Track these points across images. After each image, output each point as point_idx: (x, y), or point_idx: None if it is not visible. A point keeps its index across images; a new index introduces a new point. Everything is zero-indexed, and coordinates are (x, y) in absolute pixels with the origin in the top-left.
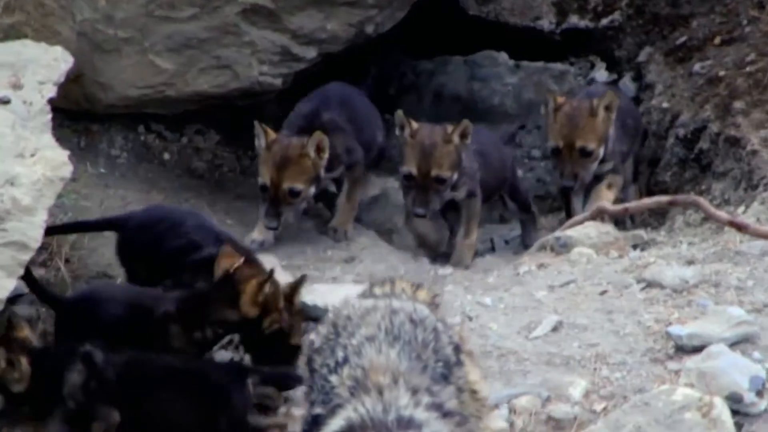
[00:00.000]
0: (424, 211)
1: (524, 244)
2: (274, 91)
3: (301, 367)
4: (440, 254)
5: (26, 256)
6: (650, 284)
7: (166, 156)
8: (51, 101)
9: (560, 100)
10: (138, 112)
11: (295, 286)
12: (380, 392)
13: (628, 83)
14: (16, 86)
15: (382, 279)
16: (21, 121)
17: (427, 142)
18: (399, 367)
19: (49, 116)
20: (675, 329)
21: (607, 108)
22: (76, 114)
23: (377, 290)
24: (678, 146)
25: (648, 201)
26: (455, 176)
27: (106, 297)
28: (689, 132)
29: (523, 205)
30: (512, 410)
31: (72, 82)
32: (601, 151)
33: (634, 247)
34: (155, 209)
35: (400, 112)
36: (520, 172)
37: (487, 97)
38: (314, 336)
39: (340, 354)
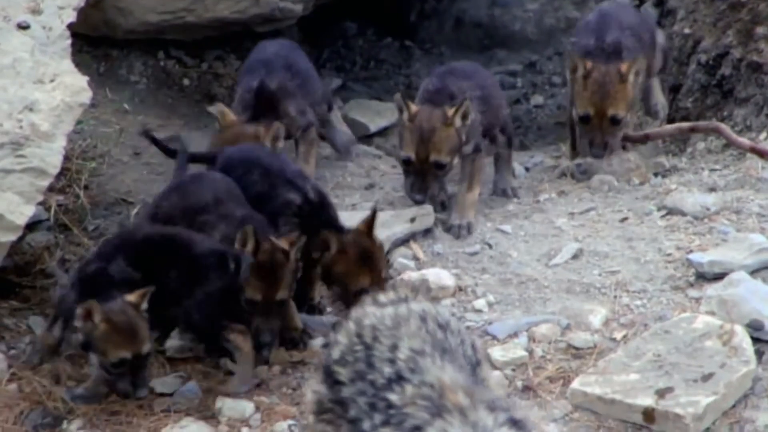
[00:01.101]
0: (423, 198)
1: (499, 189)
2: (294, 17)
3: (316, 378)
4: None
5: (45, 183)
6: (671, 211)
7: (186, 82)
8: (70, 26)
9: (588, 65)
10: (158, 38)
11: (371, 221)
12: (463, 413)
13: (649, 9)
14: (36, 11)
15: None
16: (40, 46)
17: (426, 126)
18: (463, 382)
19: (69, 42)
20: (696, 256)
21: (637, 73)
22: (95, 39)
23: (383, 298)
24: (700, 72)
25: (669, 128)
26: (455, 161)
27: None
28: (711, 58)
29: (509, 140)
30: (531, 338)
31: (92, 7)
32: (629, 117)
33: (656, 174)
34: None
35: (398, 96)
36: (540, 99)
37: (508, 22)
38: (330, 346)
39: (387, 369)
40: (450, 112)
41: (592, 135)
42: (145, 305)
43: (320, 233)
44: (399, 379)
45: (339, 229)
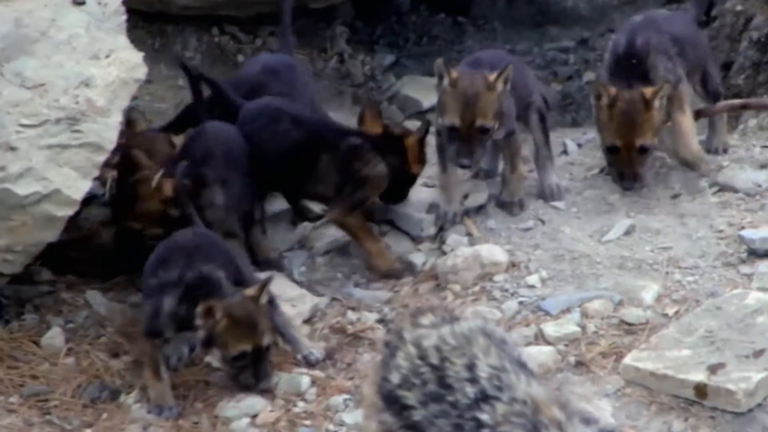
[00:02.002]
0: (470, 162)
1: (545, 190)
2: None
3: (377, 404)
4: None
5: (101, 158)
6: (723, 188)
7: (240, 58)
8: (125, 2)
9: (612, 91)
10: (212, 14)
11: (425, 132)
12: (561, 428)
13: None
14: None
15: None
16: (96, 22)
17: (469, 91)
18: (552, 395)
19: (124, 17)
20: (748, 233)
21: (662, 97)
22: (150, 15)
23: (425, 321)
24: (751, 49)
25: (721, 105)
26: (497, 124)
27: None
28: (763, 35)
29: (545, 130)
30: (584, 314)
31: None
32: (656, 142)
33: (707, 151)
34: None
35: (439, 61)
36: (592, 75)
37: None
38: (388, 371)
39: (469, 389)
40: (492, 76)
41: (621, 167)
42: (264, 298)
43: None
44: (486, 397)
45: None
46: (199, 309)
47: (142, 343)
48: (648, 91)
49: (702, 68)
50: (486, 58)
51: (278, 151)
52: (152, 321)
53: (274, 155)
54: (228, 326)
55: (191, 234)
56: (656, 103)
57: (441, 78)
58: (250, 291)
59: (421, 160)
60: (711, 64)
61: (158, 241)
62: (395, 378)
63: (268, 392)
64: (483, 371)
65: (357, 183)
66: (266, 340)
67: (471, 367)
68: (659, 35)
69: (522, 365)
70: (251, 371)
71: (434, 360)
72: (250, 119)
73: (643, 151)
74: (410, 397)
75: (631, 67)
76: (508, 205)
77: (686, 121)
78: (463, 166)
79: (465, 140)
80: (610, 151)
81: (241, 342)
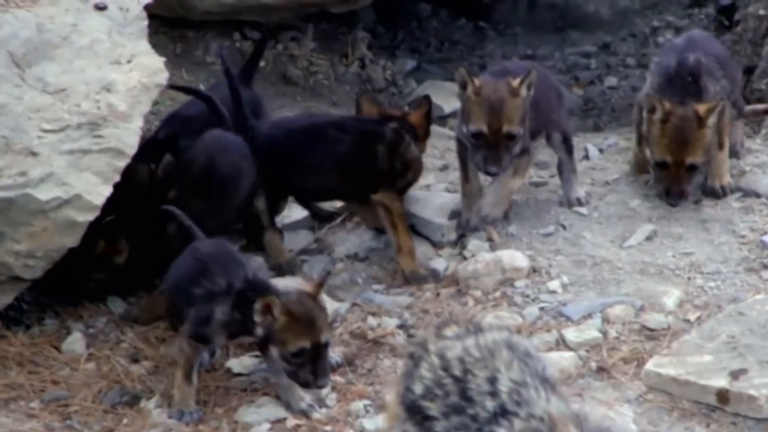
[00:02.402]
0: (497, 170)
1: (569, 199)
2: None
3: (400, 414)
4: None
5: (122, 163)
6: (746, 193)
7: (261, 63)
8: (147, 7)
9: (666, 106)
10: (233, 20)
11: (429, 108)
12: None
13: None
14: None
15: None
16: (117, 27)
17: (494, 98)
18: (570, 412)
19: (146, 23)
20: None
21: (716, 114)
22: (172, 21)
23: (449, 332)
24: None
25: (745, 109)
26: (522, 130)
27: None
28: None
29: (568, 145)
30: (605, 319)
31: None
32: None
33: (729, 156)
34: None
35: (462, 70)
36: (614, 80)
37: (582, 3)
38: (411, 382)
39: (489, 403)
40: (515, 82)
41: (668, 183)
42: (322, 294)
43: None
44: (504, 413)
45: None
46: (257, 306)
47: (184, 344)
48: (702, 108)
49: (735, 87)
50: (512, 67)
51: (336, 159)
52: (200, 327)
53: (330, 165)
54: (287, 323)
55: (212, 244)
56: (710, 121)
57: (464, 86)
58: (308, 287)
59: (428, 134)
60: (738, 82)
61: None
62: (418, 388)
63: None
64: (504, 385)
65: (404, 167)
66: (325, 336)
67: (492, 380)
68: (707, 57)
69: (544, 380)
70: (310, 368)
71: (457, 372)
72: (285, 141)
73: (693, 169)
74: (433, 408)
75: (684, 85)
76: (475, 218)
77: (723, 154)
78: (490, 174)
79: (492, 147)
80: (660, 166)
81: (300, 338)
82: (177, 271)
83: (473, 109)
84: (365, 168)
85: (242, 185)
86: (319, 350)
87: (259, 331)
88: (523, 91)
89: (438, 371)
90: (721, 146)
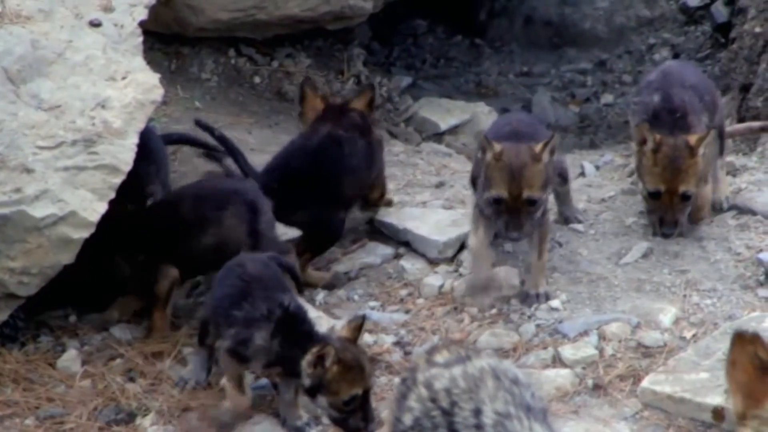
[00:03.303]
0: (519, 235)
1: (565, 216)
2: (364, 14)
3: None
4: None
5: (117, 180)
6: (741, 210)
7: (257, 80)
8: (142, 24)
9: (657, 137)
10: (229, 36)
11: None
12: None
13: (720, 8)
14: (108, 9)
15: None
16: (112, 44)
17: (515, 163)
18: None
19: (140, 39)
20: (766, 256)
21: (706, 144)
22: (167, 37)
23: (439, 358)
24: None
25: (739, 127)
26: (545, 196)
27: None
28: None
29: (565, 179)
30: (602, 337)
31: (163, 5)
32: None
33: (725, 173)
34: None
35: (482, 136)
36: (610, 97)
37: (578, 21)
38: (401, 412)
39: None
40: (538, 147)
41: (662, 213)
42: (359, 337)
43: None
44: None
45: None
46: (310, 358)
47: (226, 359)
48: (692, 138)
49: (716, 113)
50: (518, 125)
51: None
52: (239, 347)
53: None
54: (339, 372)
55: (255, 261)
56: (700, 150)
57: (484, 151)
58: (345, 332)
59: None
60: (719, 106)
61: None
62: (407, 420)
63: None
64: (488, 417)
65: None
66: (372, 381)
67: (477, 412)
68: (686, 90)
69: (529, 409)
70: (360, 414)
71: (444, 404)
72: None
73: (686, 198)
74: None
75: (673, 121)
76: (532, 297)
77: (707, 192)
78: (513, 239)
79: (513, 213)
80: (653, 196)
81: (353, 386)
82: (221, 290)
83: (494, 174)
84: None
85: None
86: (367, 395)
87: (308, 381)
88: (545, 156)
89: (426, 403)
90: (704, 182)
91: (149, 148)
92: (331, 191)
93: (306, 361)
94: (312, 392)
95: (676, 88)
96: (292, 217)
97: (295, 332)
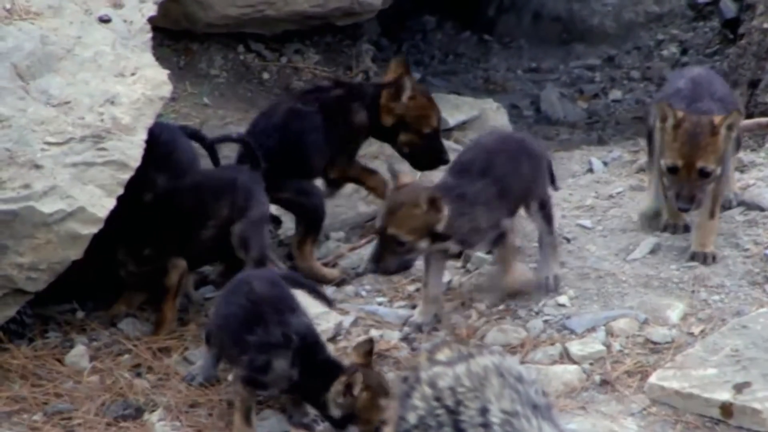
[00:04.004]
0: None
1: (540, 277)
2: (373, 10)
3: None
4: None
5: (126, 176)
6: (749, 206)
7: (266, 75)
8: (151, 20)
9: (679, 115)
10: (237, 32)
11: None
12: None
13: (729, 4)
14: (117, 5)
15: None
16: (121, 40)
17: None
18: None
19: (150, 35)
20: None
21: (729, 127)
22: (176, 33)
23: (442, 356)
24: None
25: (748, 123)
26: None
27: None
28: None
29: (548, 218)
30: (609, 333)
31: (172, 1)
32: (719, 171)
33: (734, 169)
34: None
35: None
36: (618, 94)
37: (587, 17)
38: (405, 411)
39: None
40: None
41: (679, 187)
42: (371, 362)
43: None
44: None
45: None
46: (338, 388)
47: (239, 387)
48: (718, 117)
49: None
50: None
51: None
52: (258, 375)
53: None
54: (368, 398)
55: (266, 283)
56: (723, 131)
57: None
58: (358, 359)
59: None
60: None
61: None
62: (412, 418)
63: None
64: (495, 416)
65: None
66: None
67: (484, 411)
68: (715, 103)
69: (535, 406)
70: None
71: (450, 402)
72: None
73: (704, 174)
74: None
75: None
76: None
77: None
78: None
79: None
80: (671, 171)
81: (382, 411)
82: (228, 309)
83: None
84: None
85: None
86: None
87: (338, 411)
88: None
89: (431, 402)
90: (711, 215)
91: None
92: (300, 163)
93: (335, 392)
94: (342, 423)
95: (705, 99)
96: (278, 196)
97: (315, 362)
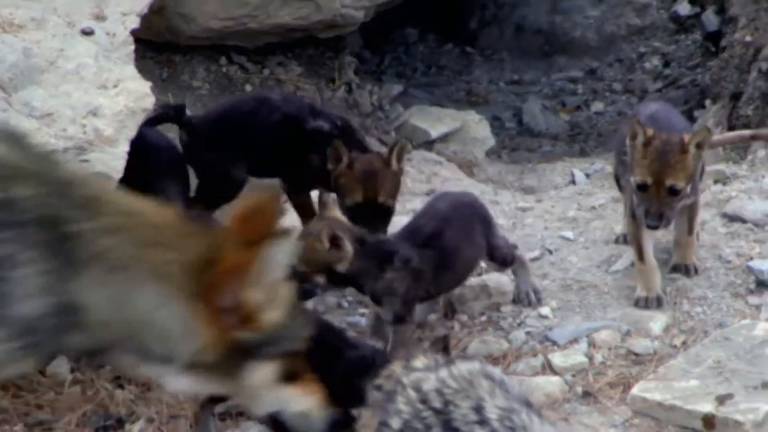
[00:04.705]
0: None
1: (521, 293)
2: (355, 23)
3: None
4: None
5: None
6: (732, 218)
7: (248, 88)
8: (134, 32)
9: (650, 132)
10: (220, 44)
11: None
12: None
13: (711, 17)
14: (99, 17)
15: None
16: (104, 52)
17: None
18: None
19: (132, 47)
20: (756, 264)
21: (698, 145)
22: (158, 45)
23: (419, 363)
24: (761, 80)
25: (730, 135)
26: (689, 188)
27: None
28: None
29: (504, 261)
30: (591, 344)
31: (155, 13)
32: (689, 189)
33: (716, 181)
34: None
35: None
36: (600, 106)
37: (569, 29)
38: (387, 416)
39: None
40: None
41: (648, 204)
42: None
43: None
44: None
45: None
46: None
47: None
48: (687, 135)
49: None
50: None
51: None
52: None
53: None
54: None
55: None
56: (692, 149)
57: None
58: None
59: None
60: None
61: None
62: (396, 423)
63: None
64: (492, 413)
65: None
66: None
67: (479, 409)
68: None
69: (529, 405)
70: None
71: (437, 404)
72: None
73: (673, 192)
74: None
75: None
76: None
77: (692, 238)
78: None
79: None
80: (640, 188)
81: None
82: None
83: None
84: None
85: None
86: None
87: None
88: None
89: (416, 404)
90: (690, 231)
91: None
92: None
93: None
94: None
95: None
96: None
97: None
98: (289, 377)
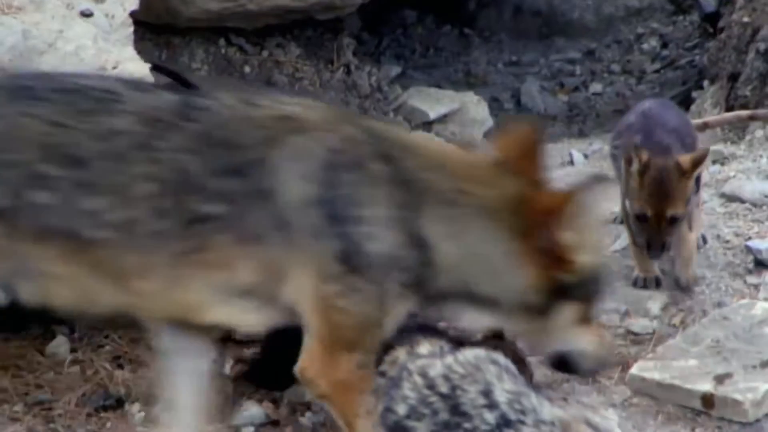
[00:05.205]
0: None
1: None
2: (354, 5)
3: None
4: None
5: None
6: (730, 198)
7: (247, 69)
8: (133, 14)
9: (644, 157)
10: (219, 26)
11: None
12: None
13: None
14: None
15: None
16: (103, 34)
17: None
18: (578, 414)
19: (131, 29)
20: (754, 243)
21: (695, 165)
22: (157, 27)
23: (423, 350)
24: (758, 60)
25: (728, 115)
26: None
27: None
28: None
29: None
30: None
31: None
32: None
33: (714, 161)
34: None
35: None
36: (598, 87)
37: (567, 11)
38: (393, 402)
39: (488, 415)
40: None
41: (649, 236)
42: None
43: None
44: (508, 422)
45: None
46: None
47: None
48: (684, 159)
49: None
50: None
51: None
52: None
53: None
54: None
55: None
56: (689, 171)
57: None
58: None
59: None
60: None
61: None
62: (402, 409)
63: None
64: (501, 396)
65: None
66: None
67: (487, 393)
68: (668, 136)
69: (538, 389)
70: None
71: (444, 389)
72: None
73: (674, 221)
74: (420, 428)
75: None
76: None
77: (692, 241)
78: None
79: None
80: (639, 219)
81: None
82: None
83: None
84: None
85: None
86: None
87: None
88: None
89: (423, 390)
90: (688, 232)
91: None
92: None
93: None
94: None
95: (658, 130)
96: None
97: None
98: (583, 320)
